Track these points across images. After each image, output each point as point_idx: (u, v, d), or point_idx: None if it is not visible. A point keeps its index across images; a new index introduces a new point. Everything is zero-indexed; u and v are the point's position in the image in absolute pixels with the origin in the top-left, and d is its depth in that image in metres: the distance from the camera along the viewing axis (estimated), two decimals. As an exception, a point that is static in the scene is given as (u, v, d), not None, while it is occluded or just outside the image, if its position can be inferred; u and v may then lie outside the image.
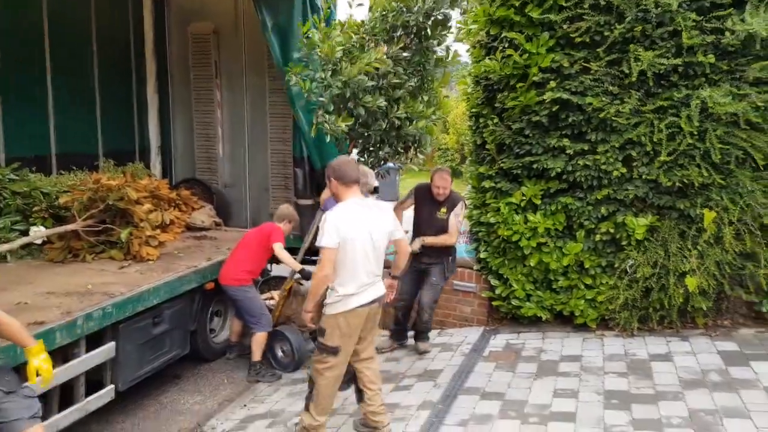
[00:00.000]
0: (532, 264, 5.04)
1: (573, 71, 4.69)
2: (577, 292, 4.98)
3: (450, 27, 4.63)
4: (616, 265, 4.82)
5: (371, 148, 4.81)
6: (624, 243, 4.76)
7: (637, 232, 4.65)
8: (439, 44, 4.66)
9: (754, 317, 4.82)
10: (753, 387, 3.79)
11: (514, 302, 5.20)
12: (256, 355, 4.88)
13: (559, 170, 4.85)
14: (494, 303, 5.38)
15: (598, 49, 4.61)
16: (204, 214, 6.07)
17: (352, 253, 3.25)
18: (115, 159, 6.19)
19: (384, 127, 4.48)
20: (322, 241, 3.22)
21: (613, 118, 4.56)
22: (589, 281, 4.93)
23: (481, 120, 5.27)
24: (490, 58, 4.93)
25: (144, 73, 6.79)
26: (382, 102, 4.23)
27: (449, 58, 4.77)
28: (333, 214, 3.26)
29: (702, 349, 4.47)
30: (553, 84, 4.71)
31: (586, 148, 4.76)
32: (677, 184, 4.54)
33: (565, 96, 4.66)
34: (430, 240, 4.69)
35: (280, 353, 5.10)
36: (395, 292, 3.93)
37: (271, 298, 5.20)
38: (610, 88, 4.59)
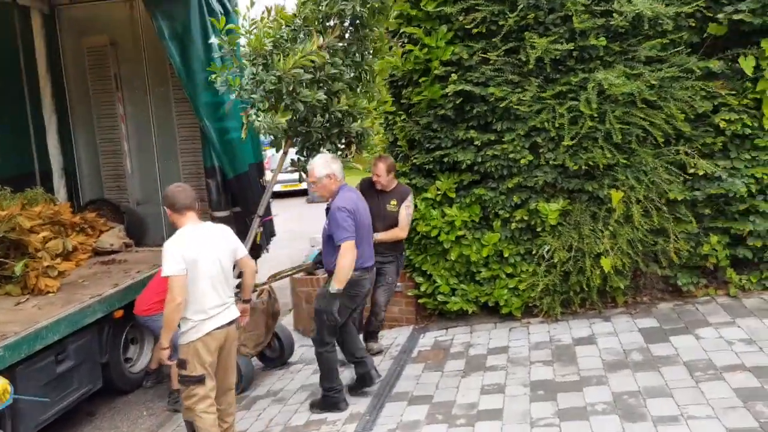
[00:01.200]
0: (453, 258, 4.99)
1: (473, 63, 4.67)
2: (499, 282, 4.97)
3: (388, 15, 4.38)
4: (533, 252, 4.83)
5: (310, 146, 4.51)
6: (539, 229, 4.78)
7: (550, 217, 4.67)
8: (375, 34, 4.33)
9: (671, 291, 4.93)
10: (673, 363, 3.85)
11: (440, 298, 5.14)
12: (175, 381, 4.62)
13: (469, 162, 4.81)
14: (421, 300, 5.31)
15: (494, 39, 4.59)
16: (113, 236, 5.75)
17: (201, 276, 3.20)
18: (14, 186, 5.77)
19: (323, 123, 4.22)
20: (167, 270, 3.13)
21: (515, 106, 4.56)
22: (510, 270, 4.93)
23: (390, 117, 5.18)
24: (391, 55, 4.83)
25: (38, 93, 6.37)
26: (321, 96, 3.97)
27: (387, 48, 4.49)
28: (172, 241, 3.21)
29: (623, 329, 4.52)
30: (455, 77, 4.67)
31: (493, 138, 4.75)
32: (583, 167, 4.58)
33: (467, 88, 4.62)
34: (380, 236, 4.49)
35: None
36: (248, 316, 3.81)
37: None
38: (511, 77, 4.59)
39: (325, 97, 4.02)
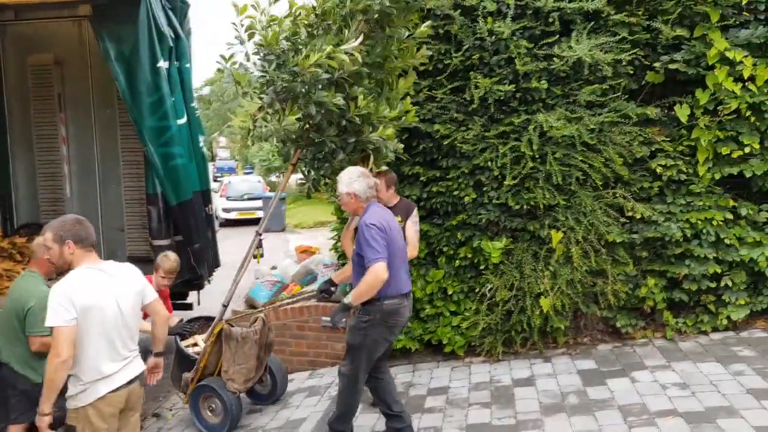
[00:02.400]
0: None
1: (420, 99, 4.68)
2: (443, 320, 4.92)
3: (423, 12, 4.18)
4: (476, 290, 4.80)
5: (322, 157, 4.03)
6: (482, 267, 4.76)
7: (493, 255, 4.66)
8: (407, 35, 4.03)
9: (611, 332, 4.96)
10: (608, 407, 3.83)
11: (383, 335, 5.04)
12: None
13: (415, 198, 4.79)
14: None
15: (440, 77, 4.63)
16: (44, 264, 5.46)
17: (96, 327, 2.70)
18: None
19: (338, 131, 3.76)
20: (51, 320, 2.62)
21: (460, 144, 4.58)
22: (453, 308, 4.88)
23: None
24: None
25: (-25, 110, 6.12)
26: (340, 100, 3.51)
27: (414, 50, 4.10)
28: (62, 285, 2.69)
29: (563, 370, 4.50)
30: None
31: (438, 174, 4.75)
32: (525, 206, 4.60)
33: (414, 123, 4.62)
34: None
35: (207, 413, 4.36)
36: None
37: (194, 344, 4.56)
38: (456, 115, 4.62)
39: (344, 102, 3.60)
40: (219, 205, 17.41)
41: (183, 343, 4.55)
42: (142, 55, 5.19)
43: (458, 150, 4.65)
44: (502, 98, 4.50)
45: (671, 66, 4.39)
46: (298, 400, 4.72)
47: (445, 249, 4.84)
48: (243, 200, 18.29)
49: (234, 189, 19.21)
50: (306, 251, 6.84)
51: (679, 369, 4.22)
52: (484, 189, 4.68)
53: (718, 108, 4.36)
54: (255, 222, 16.75)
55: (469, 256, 4.76)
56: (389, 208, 4.06)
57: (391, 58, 4.06)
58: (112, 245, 6.14)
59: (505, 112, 4.60)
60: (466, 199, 4.65)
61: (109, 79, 5.58)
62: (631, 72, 4.54)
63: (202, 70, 45.81)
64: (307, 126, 3.79)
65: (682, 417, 3.57)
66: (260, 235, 4.25)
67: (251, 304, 5.59)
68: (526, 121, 4.47)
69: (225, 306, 4.27)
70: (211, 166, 13.58)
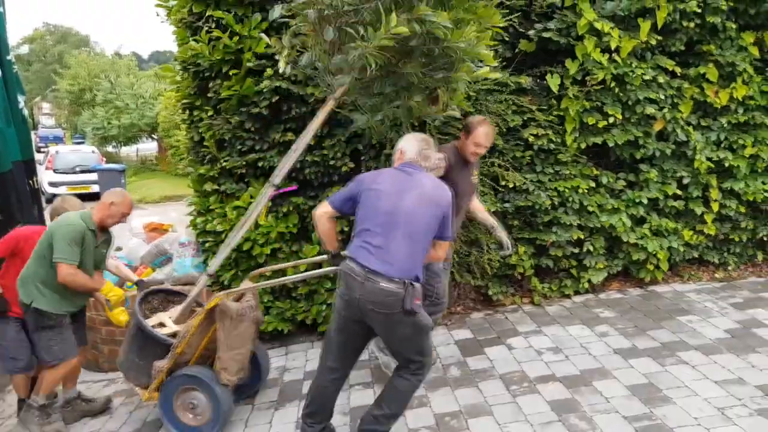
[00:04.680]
0: (269, 273, 4.48)
1: (292, 58, 4.21)
2: (317, 298, 4.59)
3: None
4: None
5: (394, 94, 3.34)
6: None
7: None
8: None
9: (482, 300, 5.01)
10: (490, 377, 3.80)
11: (253, 318, 4.60)
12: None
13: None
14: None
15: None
16: None
17: None
18: None
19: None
20: None
21: (335, 109, 4.21)
22: (328, 285, 4.57)
23: (195, 113, 4.51)
24: (195, 40, 4.19)
25: None
26: (447, 22, 2.87)
27: None
28: None
29: (441, 341, 4.43)
30: (270, 71, 4.18)
31: (312, 142, 4.34)
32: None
33: (285, 85, 4.17)
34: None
35: (184, 413, 3.47)
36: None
37: (161, 324, 3.58)
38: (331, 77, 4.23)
39: (451, 25, 2.92)
40: (45, 178, 15.27)
41: (148, 323, 3.52)
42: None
43: (333, 116, 4.28)
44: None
45: (544, 35, 4.41)
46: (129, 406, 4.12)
47: (320, 223, 4.48)
48: (74, 173, 16.21)
49: (62, 160, 16.93)
50: (156, 229, 6.06)
51: (550, 333, 4.36)
52: (362, 158, 4.40)
53: (586, 78, 4.49)
54: (90, 197, 14.94)
55: (346, 229, 4.46)
56: (471, 163, 3.76)
57: None
58: None
59: (382, 75, 4.30)
60: (344, 169, 4.33)
61: None
62: (506, 39, 4.50)
63: (18, 26, 39.87)
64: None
65: (560, 381, 3.65)
66: (275, 186, 3.58)
67: (93, 293, 4.79)
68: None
69: (211, 275, 3.61)
70: (33, 136, 11.73)
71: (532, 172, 4.73)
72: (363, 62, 2.99)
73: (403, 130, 3.71)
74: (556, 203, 4.70)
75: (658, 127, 4.76)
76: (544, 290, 4.97)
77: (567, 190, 4.67)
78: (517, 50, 4.59)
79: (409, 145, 3.06)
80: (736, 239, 5.17)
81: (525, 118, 4.64)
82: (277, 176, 3.55)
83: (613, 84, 4.50)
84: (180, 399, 3.45)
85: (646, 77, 4.58)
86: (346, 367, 3.14)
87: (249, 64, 4.20)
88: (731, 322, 4.30)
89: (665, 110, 4.74)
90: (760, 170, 5.09)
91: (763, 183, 5.06)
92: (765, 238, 5.22)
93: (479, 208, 4.05)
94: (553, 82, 4.46)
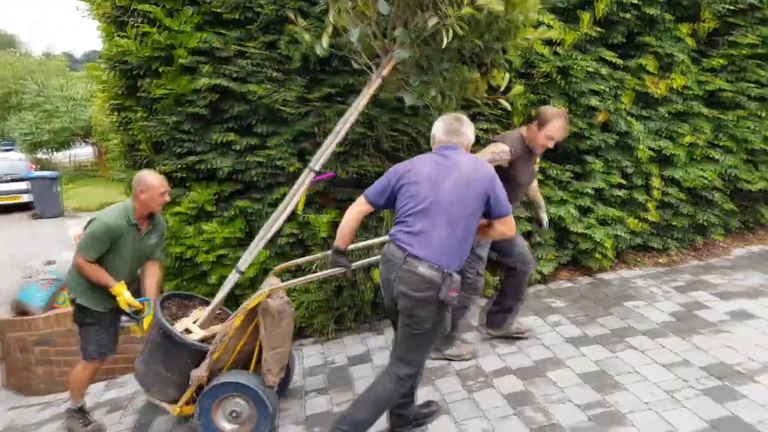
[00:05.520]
0: (214, 281, 4.30)
1: (229, 54, 4.05)
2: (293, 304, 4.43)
3: None
4: (304, 268, 4.40)
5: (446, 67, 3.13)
6: (310, 243, 4.37)
7: (321, 230, 4.30)
8: None
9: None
10: (446, 373, 3.75)
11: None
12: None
13: (229, 169, 4.19)
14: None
15: (251, 27, 4.05)
16: None
17: None
18: None
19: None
20: None
21: (279, 107, 4.08)
22: (310, 286, 4.42)
23: (125, 114, 4.26)
24: (121, 36, 3.95)
25: None
26: None
27: None
28: None
29: (396, 340, 4.37)
30: (206, 68, 3.99)
31: (256, 142, 4.20)
32: (354, 175, 4.30)
33: (223, 83, 3.99)
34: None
35: (224, 423, 3.24)
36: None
37: (187, 331, 3.35)
38: (274, 73, 4.09)
39: None
40: (-32, 189, 14.35)
41: (175, 329, 3.27)
42: None
43: (278, 114, 4.15)
44: (324, 56, 4.08)
45: (488, 28, 4.39)
46: (97, 417, 3.89)
47: (267, 226, 4.33)
48: (3, 182, 15.28)
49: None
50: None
51: (505, 326, 4.36)
52: (309, 158, 4.26)
53: (531, 71, 4.50)
54: (20, 208, 14.10)
55: (296, 231, 4.33)
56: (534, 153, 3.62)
57: None
58: None
59: (328, 72, 4.20)
60: (290, 169, 4.19)
61: None
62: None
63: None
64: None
65: (515, 374, 3.64)
66: (315, 172, 3.35)
67: (22, 310, 4.48)
68: (351, 83, 4.12)
69: (242, 273, 3.39)
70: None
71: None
72: (439, 34, 2.86)
73: (454, 105, 3.57)
74: (506, 197, 4.71)
75: (602, 118, 4.84)
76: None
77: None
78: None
79: (438, 127, 2.95)
80: (678, 225, 5.33)
81: (472, 112, 4.61)
82: (318, 161, 3.35)
83: (557, 77, 4.53)
84: (220, 408, 3.23)
85: (590, 69, 4.64)
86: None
87: (182, 61, 4.00)
88: (675, 305, 4.42)
89: (608, 102, 4.82)
90: (698, 158, 5.26)
91: (702, 170, 5.23)
92: (704, 223, 5.40)
93: (534, 187, 4.01)
94: (499, 75, 4.45)
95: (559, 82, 4.57)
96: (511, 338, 4.08)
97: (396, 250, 2.71)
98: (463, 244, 2.72)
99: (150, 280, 3.59)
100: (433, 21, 2.82)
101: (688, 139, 5.12)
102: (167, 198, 3.50)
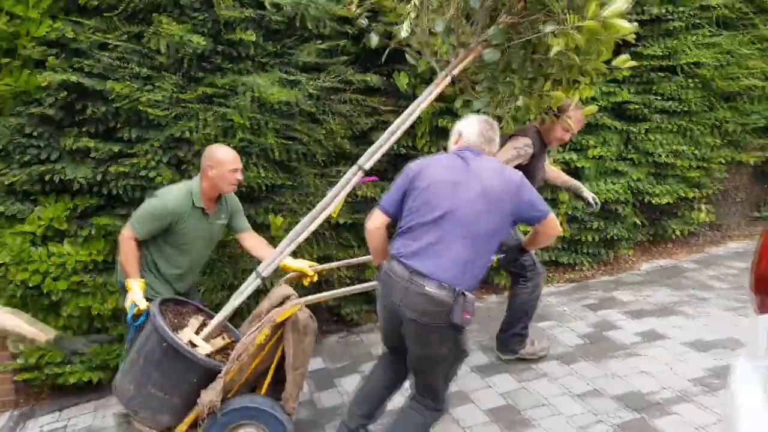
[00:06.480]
0: (68, 312, 3.62)
1: (85, 46, 3.43)
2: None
3: None
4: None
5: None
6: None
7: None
8: None
9: (336, 321, 4.55)
10: (339, 416, 3.27)
11: (51, 369, 3.70)
12: None
13: (86, 181, 3.54)
14: (22, 376, 3.74)
15: (113, 15, 3.45)
16: None
17: None
18: None
19: None
20: None
21: (147, 109, 3.49)
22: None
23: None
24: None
25: None
26: None
27: None
28: None
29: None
30: (54, 60, 3.35)
31: (119, 149, 3.58)
32: (241, 188, 3.77)
33: (77, 79, 3.36)
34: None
35: None
36: None
37: (191, 345, 2.73)
38: (140, 69, 3.50)
39: None
40: None
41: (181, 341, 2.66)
42: None
43: (145, 117, 3.56)
44: (201, 52, 3.55)
45: (390, 29, 4.01)
46: None
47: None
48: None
49: None
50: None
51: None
52: (184, 167, 3.70)
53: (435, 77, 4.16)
54: None
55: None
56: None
57: None
58: None
59: (206, 69, 3.66)
60: (159, 180, 3.59)
61: None
62: (351, 32, 4.04)
63: None
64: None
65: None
66: (366, 171, 2.93)
67: None
68: (234, 83, 3.61)
69: (264, 278, 2.85)
70: None
71: (384, 180, 4.33)
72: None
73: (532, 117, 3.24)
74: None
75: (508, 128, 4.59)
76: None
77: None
78: (363, 44, 4.16)
79: (469, 127, 2.61)
80: (588, 240, 5.18)
81: (375, 121, 4.22)
82: (368, 160, 2.92)
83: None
84: None
85: (496, 76, 4.36)
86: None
87: (28, 52, 3.33)
88: (586, 326, 4.22)
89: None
90: (607, 171, 5.15)
91: (613, 183, 5.12)
92: (614, 237, 5.30)
93: (556, 173, 3.84)
94: (401, 81, 4.09)
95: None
96: (527, 360, 3.75)
97: (398, 266, 2.36)
98: (480, 261, 2.38)
99: (265, 249, 3.10)
100: (551, 27, 2.58)
101: (597, 151, 4.99)
102: (240, 177, 3.02)
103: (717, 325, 4.07)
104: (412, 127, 4.21)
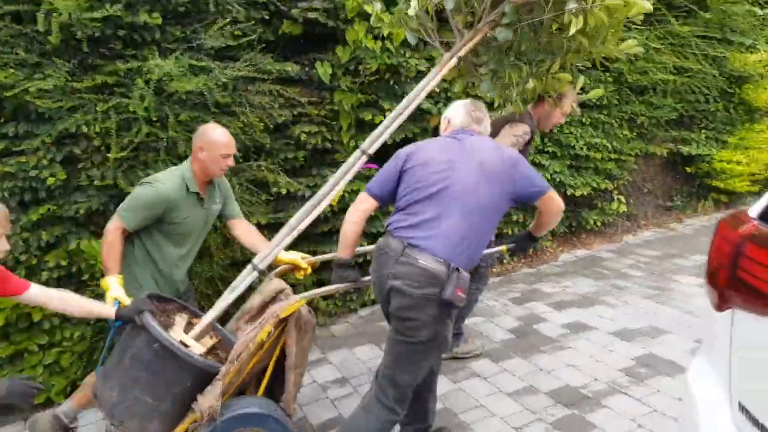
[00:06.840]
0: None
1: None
2: (30, 359, 3.36)
3: None
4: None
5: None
6: (87, 277, 3.39)
7: (99, 259, 3.32)
8: None
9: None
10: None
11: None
12: None
13: (-39, 183, 3.06)
14: None
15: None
16: None
17: None
18: None
19: None
20: None
21: (35, 100, 3.06)
22: (44, 339, 3.37)
23: None
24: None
25: None
26: None
27: None
28: None
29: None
30: None
31: (3, 146, 3.11)
32: (145, 188, 3.41)
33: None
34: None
35: None
36: None
37: (182, 344, 2.35)
38: (25, 55, 3.06)
39: None
40: None
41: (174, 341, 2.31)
42: None
43: (34, 109, 3.12)
44: (98, 36, 3.15)
45: (310, 15, 3.78)
46: None
47: (22, 258, 3.23)
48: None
49: None
50: None
51: (337, 361, 3.80)
52: (81, 166, 3.29)
53: (359, 68, 3.98)
54: None
55: (65, 263, 3.31)
56: None
57: None
58: None
59: (105, 55, 3.27)
60: (51, 181, 3.17)
61: None
62: (267, 18, 3.77)
63: None
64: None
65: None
66: (369, 156, 2.69)
67: None
68: (136, 70, 3.24)
69: (261, 271, 2.57)
70: None
71: (308, 176, 4.10)
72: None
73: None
74: (336, 209, 4.14)
75: (434, 122, 4.49)
76: (329, 307, 4.40)
77: (347, 194, 4.13)
78: (281, 32, 3.90)
79: (455, 110, 2.60)
80: (509, 233, 5.20)
81: (295, 113, 3.97)
82: (373, 144, 2.70)
83: (387, 75, 4.06)
84: None
85: (421, 68, 4.24)
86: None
87: None
88: (513, 320, 4.22)
89: (440, 105, 4.48)
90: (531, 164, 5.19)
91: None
92: (535, 230, 5.36)
93: None
94: (323, 71, 3.87)
95: (389, 81, 4.10)
96: (460, 359, 3.67)
97: (393, 241, 2.28)
98: (476, 239, 2.30)
99: (256, 237, 2.92)
100: (572, 5, 2.44)
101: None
102: (231, 163, 2.77)
103: (638, 313, 4.19)
104: (335, 119, 4.04)
